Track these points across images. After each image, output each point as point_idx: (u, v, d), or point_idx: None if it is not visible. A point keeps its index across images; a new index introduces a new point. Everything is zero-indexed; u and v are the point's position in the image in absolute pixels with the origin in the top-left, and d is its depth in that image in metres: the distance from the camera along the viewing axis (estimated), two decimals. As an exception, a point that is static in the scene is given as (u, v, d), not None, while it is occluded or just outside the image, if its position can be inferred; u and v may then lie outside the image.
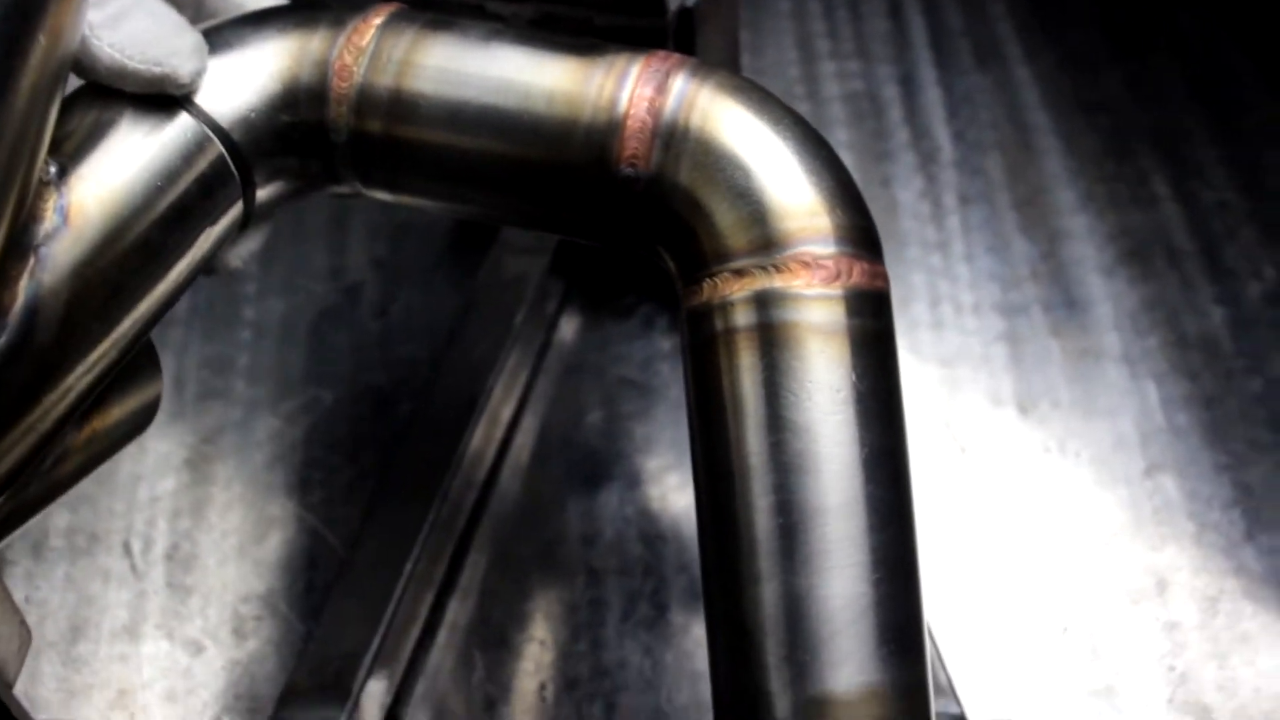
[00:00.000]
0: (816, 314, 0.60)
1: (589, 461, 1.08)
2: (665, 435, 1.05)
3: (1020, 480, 1.04)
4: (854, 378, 0.60)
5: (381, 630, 0.96)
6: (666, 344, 1.11)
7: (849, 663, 0.59)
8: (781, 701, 0.59)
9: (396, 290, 1.23)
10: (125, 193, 0.59)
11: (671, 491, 1.03)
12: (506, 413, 1.12)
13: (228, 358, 1.20)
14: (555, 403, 1.13)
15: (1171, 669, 0.94)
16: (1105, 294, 1.14)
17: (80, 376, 0.58)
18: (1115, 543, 0.99)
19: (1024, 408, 1.09)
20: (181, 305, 1.15)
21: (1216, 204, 1.17)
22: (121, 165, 0.59)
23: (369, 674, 0.94)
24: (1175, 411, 1.07)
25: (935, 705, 0.88)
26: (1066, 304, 1.14)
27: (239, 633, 1.02)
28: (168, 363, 1.19)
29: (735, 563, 0.61)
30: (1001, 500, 1.03)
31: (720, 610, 0.62)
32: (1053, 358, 1.11)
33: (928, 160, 1.25)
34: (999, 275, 1.16)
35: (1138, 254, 1.18)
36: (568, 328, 1.16)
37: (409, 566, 0.98)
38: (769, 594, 0.59)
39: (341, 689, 0.93)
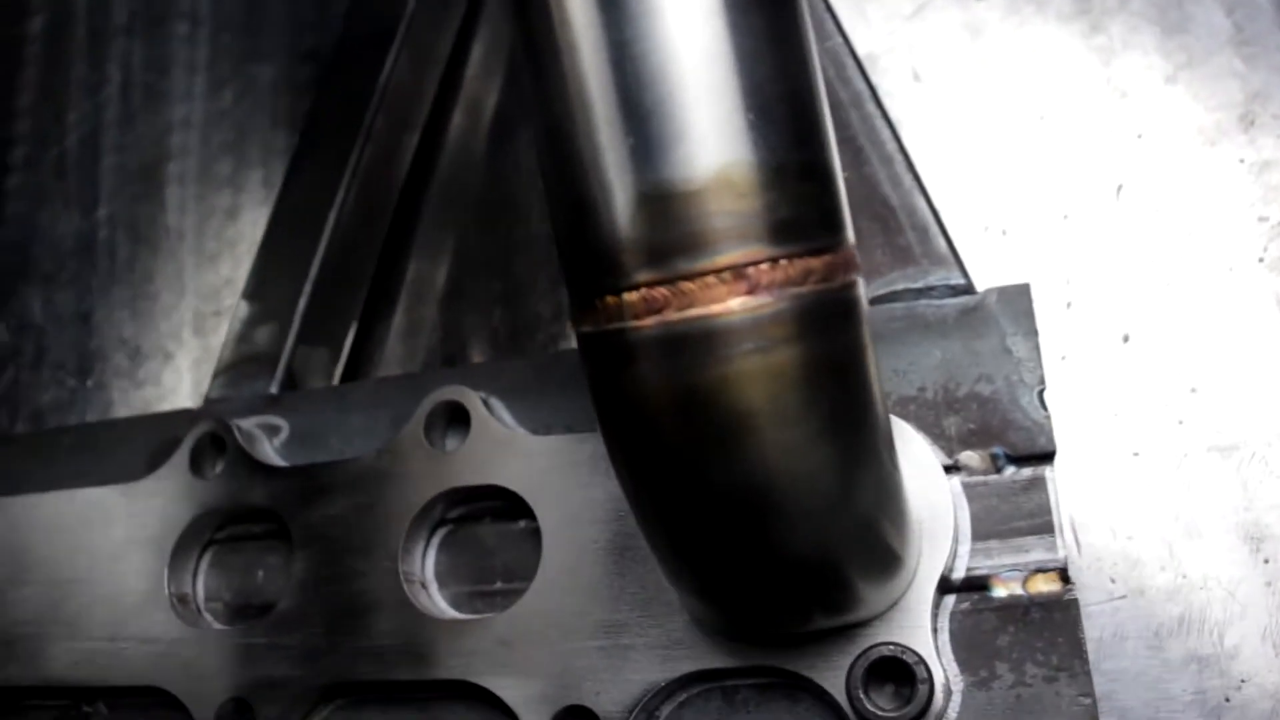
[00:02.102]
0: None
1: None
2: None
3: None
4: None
5: (306, 293, 0.84)
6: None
7: (692, 139, 0.44)
8: (608, 204, 0.45)
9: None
10: None
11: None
12: (443, 44, 0.95)
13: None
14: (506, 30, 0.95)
15: (1263, 219, 0.73)
16: None
17: None
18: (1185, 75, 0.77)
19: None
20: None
21: None
22: None
23: (297, 341, 0.84)
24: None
25: (935, 275, 0.73)
26: None
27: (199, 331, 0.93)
28: (113, 73, 1.08)
29: (549, 36, 0.46)
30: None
31: (540, 106, 0.47)
32: None
33: None
34: None
35: None
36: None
37: (333, 216, 0.86)
38: (585, 62, 0.45)
39: (268, 360, 0.84)
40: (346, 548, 0.74)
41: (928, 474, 0.63)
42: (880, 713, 0.59)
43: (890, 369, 0.68)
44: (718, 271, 0.47)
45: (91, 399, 1.03)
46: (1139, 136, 0.79)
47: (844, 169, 0.74)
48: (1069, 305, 0.77)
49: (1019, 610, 0.62)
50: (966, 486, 0.65)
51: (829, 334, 0.50)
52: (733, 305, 0.47)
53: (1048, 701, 0.61)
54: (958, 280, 0.71)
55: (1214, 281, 0.75)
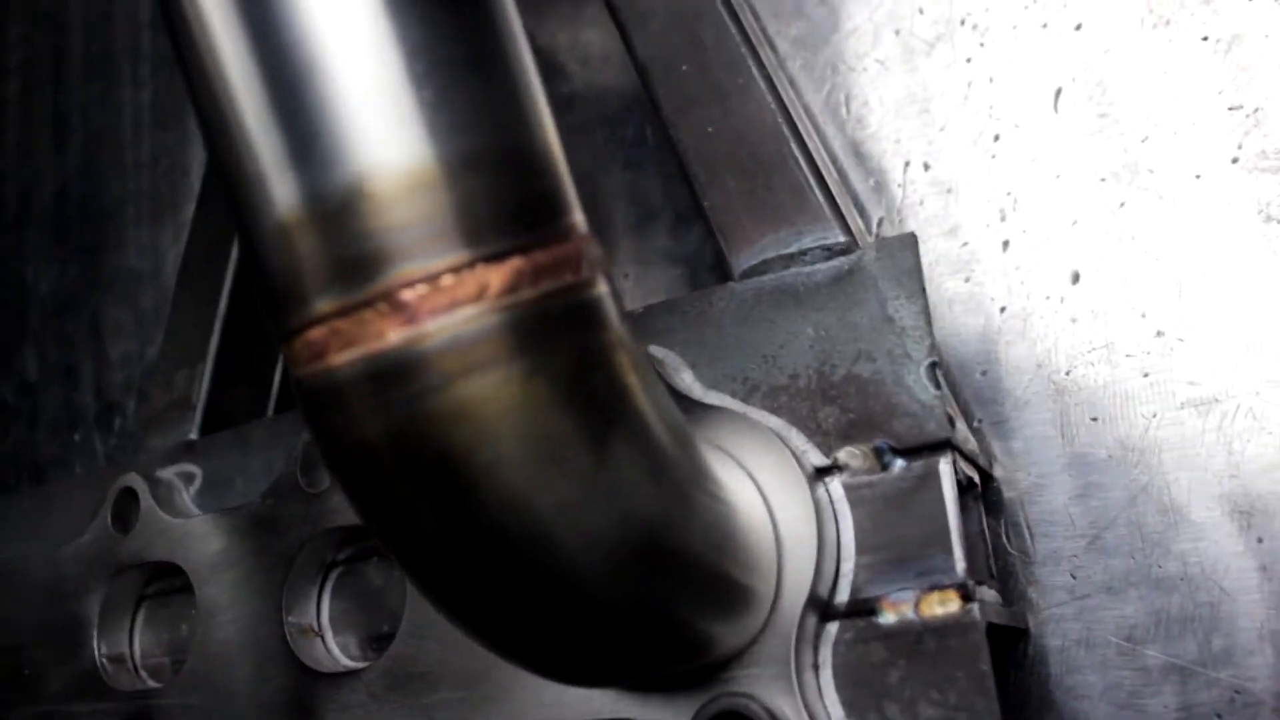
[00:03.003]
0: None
1: None
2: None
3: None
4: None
5: (217, 331, 0.82)
6: None
7: (349, 141, 0.39)
8: (275, 230, 0.40)
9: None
10: None
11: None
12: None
13: None
14: None
15: (1235, 108, 0.59)
16: None
17: None
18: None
19: None
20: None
21: None
22: None
23: (214, 382, 0.82)
24: None
25: (809, 236, 0.61)
26: None
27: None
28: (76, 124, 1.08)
29: (191, 44, 0.41)
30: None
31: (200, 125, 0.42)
32: None
33: None
34: None
35: None
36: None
37: (234, 253, 0.82)
38: (226, 64, 0.40)
39: (187, 404, 0.82)
40: (240, 599, 0.70)
41: (786, 483, 0.53)
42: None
43: (759, 355, 0.58)
44: (399, 291, 0.39)
45: (80, 452, 1.04)
46: (1077, 28, 0.64)
47: (708, 123, 0.64)
48: (1005, 245, 0.64)
49: (910, 638, 0.51)
50: (849, 490, 0.54)
51: (555, 348, 0.41)
52: (429, 328, 0.39)
53: (942, 751, 0.50)
54: (836, 239, 0.59)
55: (1178, 194, 0.61)
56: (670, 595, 0.47)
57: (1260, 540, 0.55)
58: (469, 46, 0.41)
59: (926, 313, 0.55)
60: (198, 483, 0.79)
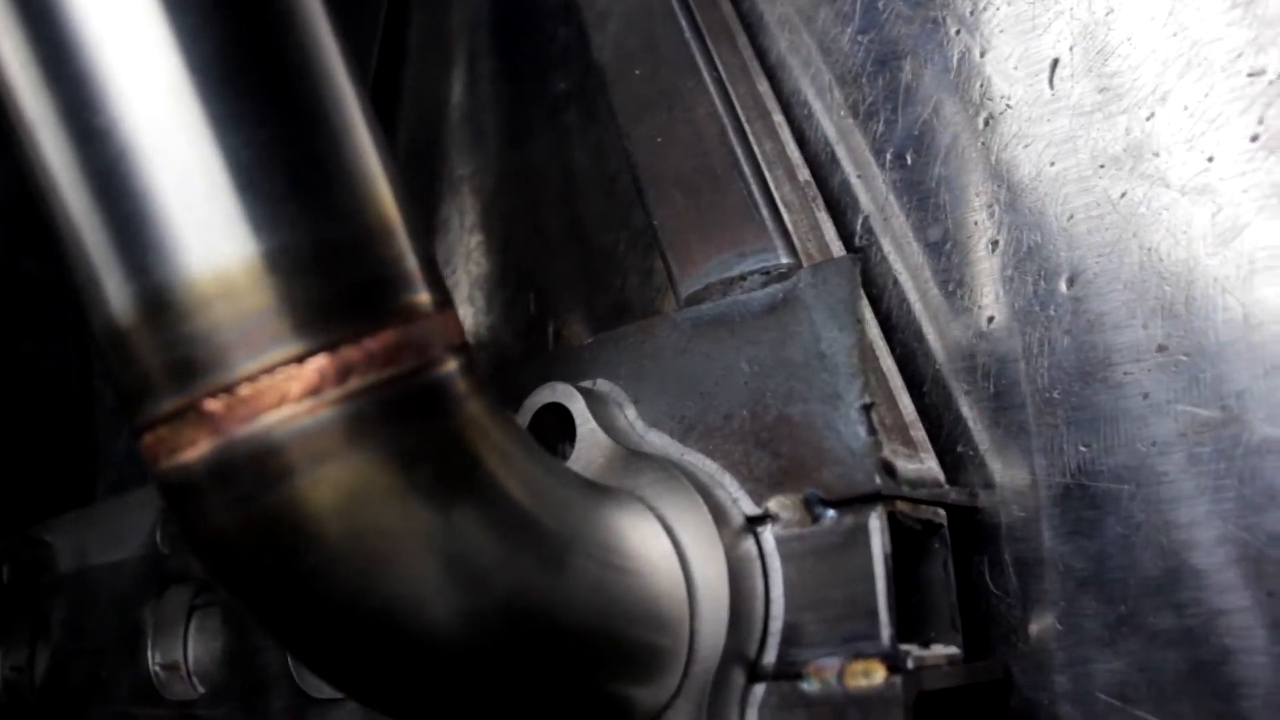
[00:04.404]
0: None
1: None
2: None
3: None
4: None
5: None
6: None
7: (169, 237, 0.38)
8: (113, 326, 0.40)
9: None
10: None
11: None
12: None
13: None
14: None
15: (1255, 74, 0.50)
16: None
17: None
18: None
19: None
20: None
21: None
22: None
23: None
24: None
25: (753, 258, 0.56)
26: None
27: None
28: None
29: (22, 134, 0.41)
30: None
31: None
32: None
33: None
34: None
35: None
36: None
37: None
38: (52, 158, 0.39)
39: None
40: (254, 621, 0.73)
41: (704, 538, 0.49)
42: None
43: (696, 391, 0.54)
44: (202, 401, 0.39)
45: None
46: (1068, -9, 0.55)
47: (658, 133, 0.60)
48: (994, 246, 0.57)
49: (832, 709, 0.47)
50: (781, 542, 0.50)
51: (376, 440, 0.40)
52: (236, 435, 0.39)
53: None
54: (778, 260, 0.54)
55: (1188, 183, 0.51)
56: (554, 662, 0.45)
57: (1270, 594, 0.47)
58: (282, 138, 0.39)
59: (861, 348, 0.49)
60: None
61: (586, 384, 0.56)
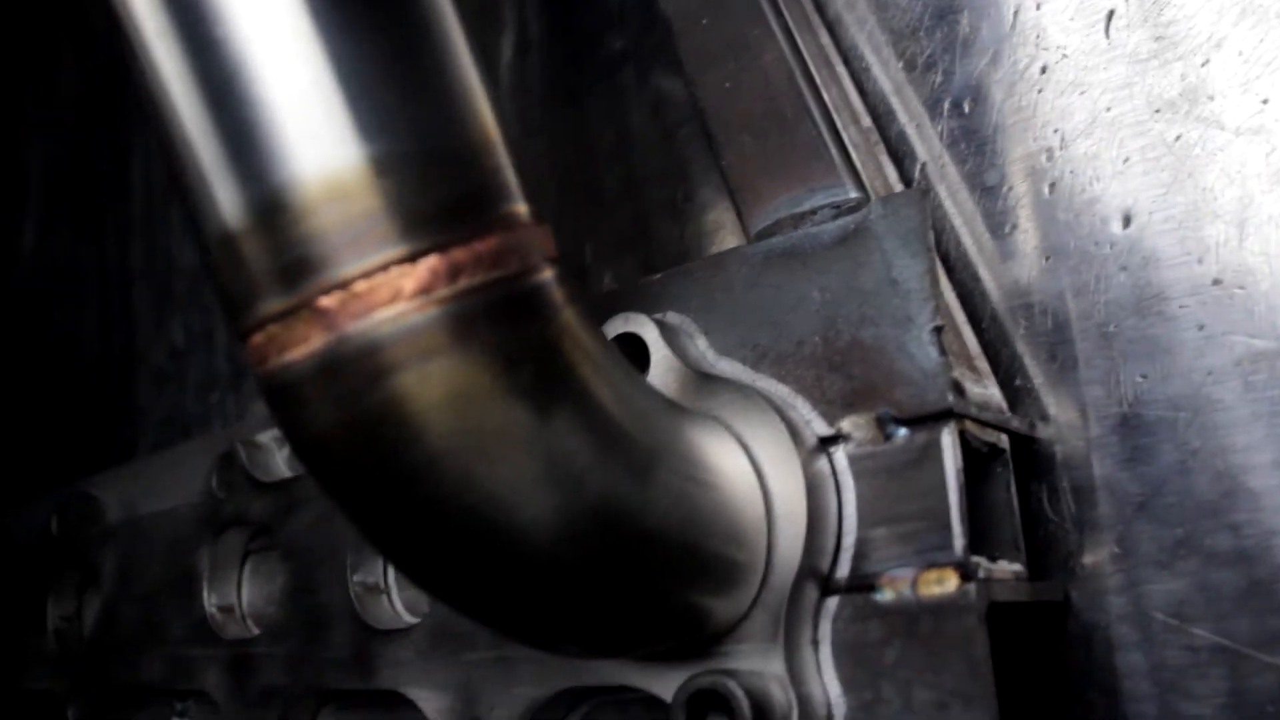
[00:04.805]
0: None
1: None
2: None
3: None
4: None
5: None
6: None
7: (279, 142, 0.40)
8: (222, 229, 0.42)
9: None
10: None
11: None
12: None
13: None
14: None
15: None
16: None
17: None
18: None
19: None
20: None
21: None
22: None
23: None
24: None
25: (821, 194, 0.58)
26: None
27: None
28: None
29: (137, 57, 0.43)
30: None
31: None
32: None
33: None
34: None
35: None
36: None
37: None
38: (167, 69, 0.41)
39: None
40: (315, 559, 0.75)
41: (781, 455, 0.51)
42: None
43: (768, 320, 0.56)
44: (317, 299, 0.41)
45: (218, 412, 1.13)
46: (1128, -59, 0.57)
47: (726, 79, 0.62)
48: (1052, 187, 0.59)
49: (907, 617, 0.49)
50: (853, 461, 0.52)
51: (482, 341, 0.41)
52: (349, 331, 0.41)
53: (931, 738, 0.48)
54: (847, 196, 0.56)
55: (1241, 123, 0.54)
56: (638, 570, 0.47)
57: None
58: (391, 50, 0.41)
59: (932, 274, 0.51)
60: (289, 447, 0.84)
61: (657, 316, 0.58)
